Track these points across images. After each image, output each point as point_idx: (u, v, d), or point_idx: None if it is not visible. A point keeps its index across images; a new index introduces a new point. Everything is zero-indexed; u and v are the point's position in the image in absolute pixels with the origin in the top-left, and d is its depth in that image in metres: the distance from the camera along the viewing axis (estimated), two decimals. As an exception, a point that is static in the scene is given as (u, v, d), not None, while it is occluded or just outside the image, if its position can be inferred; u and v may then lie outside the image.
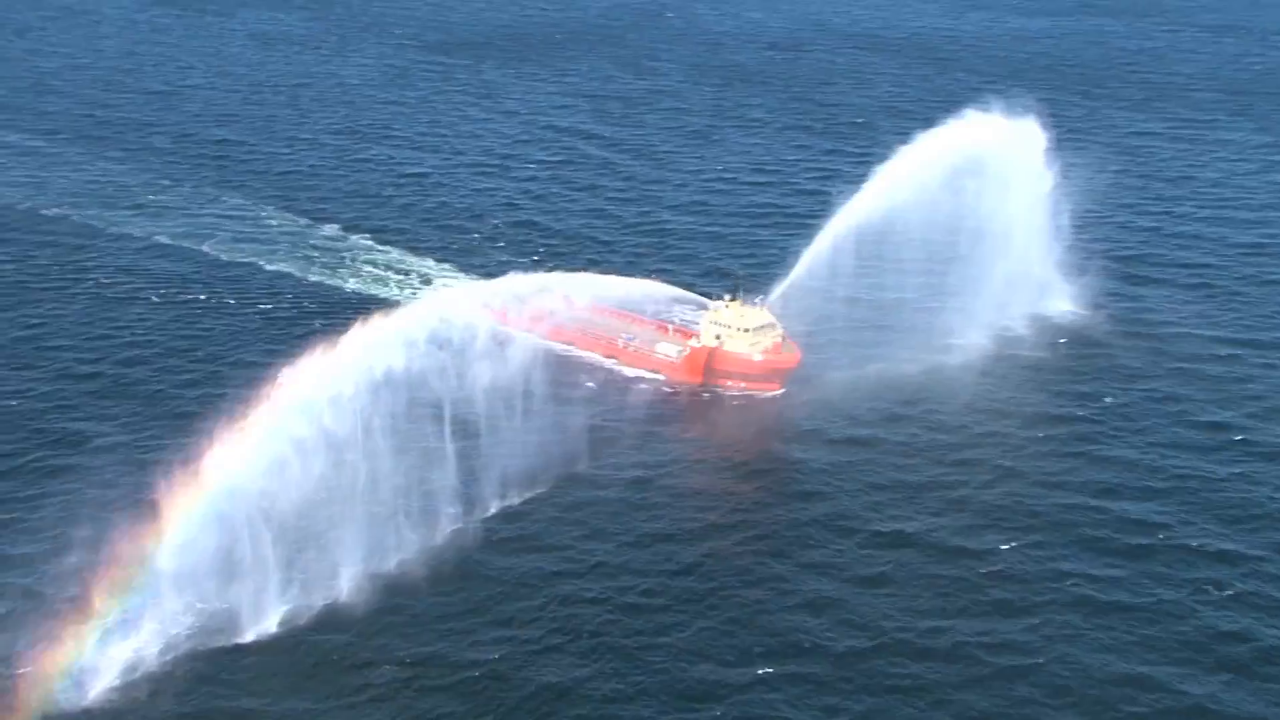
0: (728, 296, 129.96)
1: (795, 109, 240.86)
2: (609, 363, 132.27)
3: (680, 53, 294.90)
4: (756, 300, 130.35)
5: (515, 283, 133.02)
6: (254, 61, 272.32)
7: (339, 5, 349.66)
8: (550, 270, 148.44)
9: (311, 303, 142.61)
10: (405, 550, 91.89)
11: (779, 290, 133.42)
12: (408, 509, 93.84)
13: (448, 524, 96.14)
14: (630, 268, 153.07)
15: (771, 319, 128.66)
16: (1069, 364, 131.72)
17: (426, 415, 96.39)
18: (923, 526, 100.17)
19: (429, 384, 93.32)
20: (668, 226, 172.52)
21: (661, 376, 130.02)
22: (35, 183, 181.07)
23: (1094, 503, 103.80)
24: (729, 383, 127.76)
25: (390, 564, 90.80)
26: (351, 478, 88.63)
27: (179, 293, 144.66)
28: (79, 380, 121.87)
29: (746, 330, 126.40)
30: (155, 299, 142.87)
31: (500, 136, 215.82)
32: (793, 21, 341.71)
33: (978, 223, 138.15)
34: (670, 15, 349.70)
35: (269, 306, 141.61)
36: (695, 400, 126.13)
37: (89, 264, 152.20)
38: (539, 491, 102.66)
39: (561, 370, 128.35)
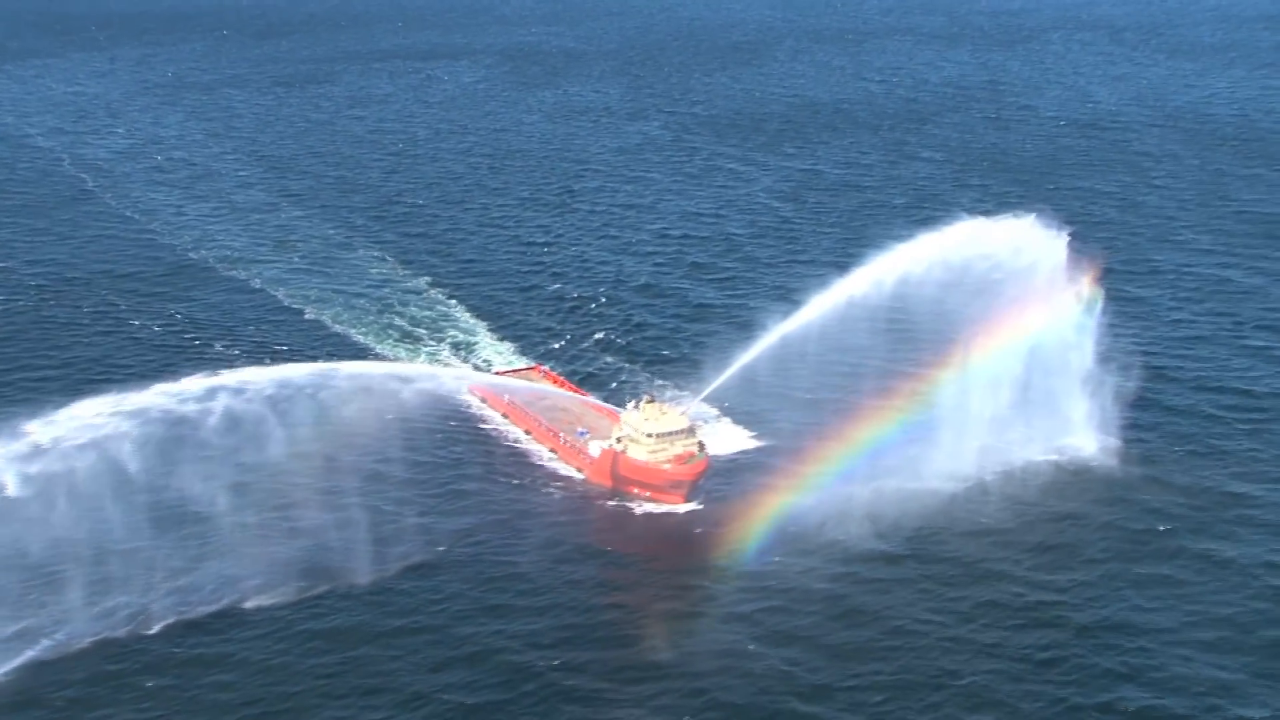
0: (645, 397, 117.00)
1: (1006, 200, 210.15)
2: (548, 456, 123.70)
3: (962, 135, 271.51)
4: (678, 403, 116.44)
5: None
6: (527, 131, 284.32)
7: (674, 77, 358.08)
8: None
9: (283, 349, 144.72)
10: None
11: (707, 392, 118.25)
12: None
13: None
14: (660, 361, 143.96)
15: (686, 425, 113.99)
16: (1032, 518, 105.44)
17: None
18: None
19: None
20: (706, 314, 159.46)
21: (581, 476, 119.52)
22: (209, 234, 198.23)
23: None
24: (635, 491, 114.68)
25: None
26: None
27: (186, 331, 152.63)
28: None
29: (650, 435, 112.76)
30: (139, 330, 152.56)
31: (664, 218, 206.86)
32: (1128, 100, 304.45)
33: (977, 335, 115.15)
34: (1004, 90, 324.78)
35: (212, 345, 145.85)
36: (581, 507, 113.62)
37: (152, 301, 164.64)
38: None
39: (492, 458, 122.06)
